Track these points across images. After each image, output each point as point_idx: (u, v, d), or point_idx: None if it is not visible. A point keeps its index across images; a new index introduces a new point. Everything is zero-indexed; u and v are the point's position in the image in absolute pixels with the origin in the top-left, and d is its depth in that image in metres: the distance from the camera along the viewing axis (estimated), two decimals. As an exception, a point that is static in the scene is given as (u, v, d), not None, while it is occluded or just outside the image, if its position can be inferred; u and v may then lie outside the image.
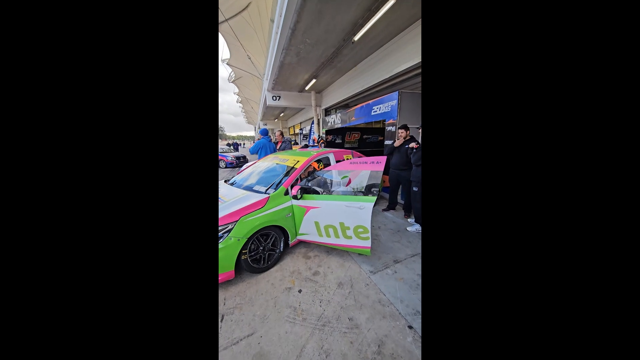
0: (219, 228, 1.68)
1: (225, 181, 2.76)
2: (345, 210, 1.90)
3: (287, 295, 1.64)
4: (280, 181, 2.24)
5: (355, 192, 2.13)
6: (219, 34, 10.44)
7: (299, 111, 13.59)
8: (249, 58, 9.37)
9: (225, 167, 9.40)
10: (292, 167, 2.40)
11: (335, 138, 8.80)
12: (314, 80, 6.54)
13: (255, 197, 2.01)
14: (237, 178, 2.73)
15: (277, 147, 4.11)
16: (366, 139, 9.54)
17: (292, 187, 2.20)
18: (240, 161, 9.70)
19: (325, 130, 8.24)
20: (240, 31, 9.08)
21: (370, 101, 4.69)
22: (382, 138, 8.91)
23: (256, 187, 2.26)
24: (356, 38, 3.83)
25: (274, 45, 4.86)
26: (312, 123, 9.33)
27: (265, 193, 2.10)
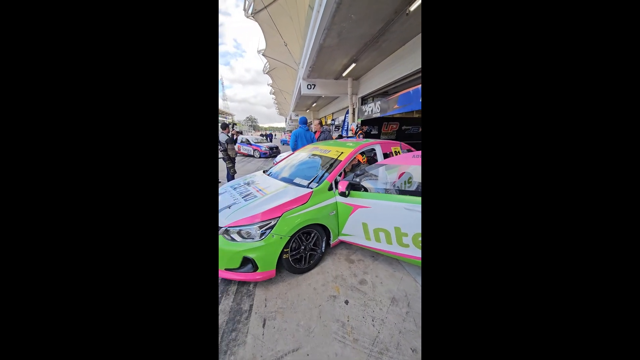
0: (262, 223, 1.55)
1: (263, 171, 2.67)
2: (403, 214, 1.58)
3: (332, 305, 1.45)
4: (324, 175, 2.01)
5: (416, 193, 1.79)
6: (257, 24, 10.49)
7: (331, 101, 13.13)
8: (286, 45, 9.22)
9: (260, 157, 9.71)
10: (336, 159, 2.14)
11: (371, 129, 8.23)
12: (353, 65, 6.04)
13: (298, 192, 1.83)
14: (276, 169, 2.61)
15: (317, 137, 3.89)
16: (405, 130, 8.71)
17: (336, 181, 1.96)
18: (274, 151, 9.89)
19: (361, 120, 7.73)
20: (277, 18, 8.94)
21: (418, 86, 4.10)
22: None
23: (297, 180, 2.08)
24: (412, 8, 3.25)
25: (313, 28, 4.54)
26: (347, 113, 8.88)
27: (307, 187, 1.91)
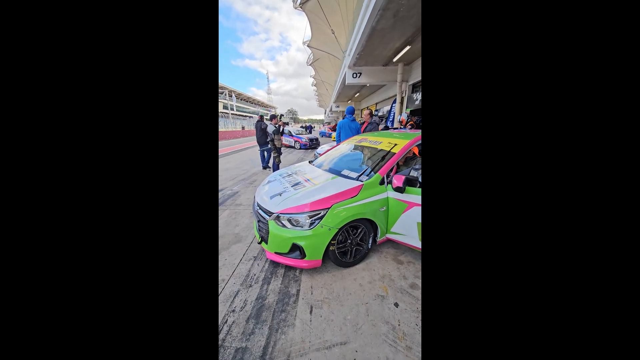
0: (312, 213, 1.56)
1: (309, 162, 2.70)
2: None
3: (380, 306, 1.37)
4: (375, 167, 1.89)
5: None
6: (304, 13, 10.49)
7: (375, 91, 12.37)
8: (333, 33, 8.99)
9: (300, 149, 9.99)
10: (389, 152, 1.98)
11: (420, 120, 7.43)
12: (407, 48, 5.46)
13: (347, 184, 1.77)
14: (322, 160, 2.59)
15: (363, 129, 3.71)
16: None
17: (387, 175, 1.82)
18: (314, 143, 10.03)
19: (410, 110, 7.04)
20: (325, 5, 8.73)
21: None
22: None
23: (345, 172, 2.02)
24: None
25: (366, 10, 4.23)
26: (394, 102, 8.22)
27: (357, 180, 1.82)
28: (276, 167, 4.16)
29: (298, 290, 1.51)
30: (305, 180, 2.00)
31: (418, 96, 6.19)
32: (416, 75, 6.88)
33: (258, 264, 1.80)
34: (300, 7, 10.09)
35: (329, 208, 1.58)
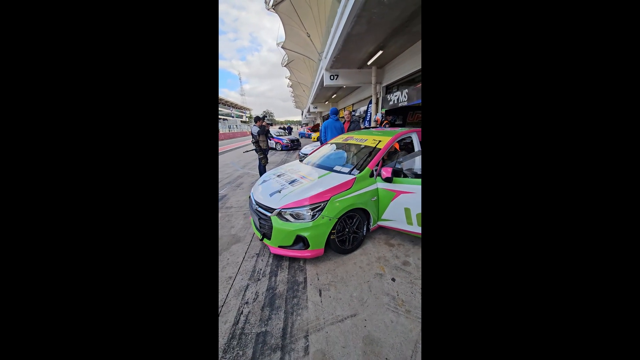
0: (313, 205, 1.69)
1: (300, 160, 2.81)
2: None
3: (380, 282, 1.56)
4: (364, 162, 2.09)
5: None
6: (277, 14, 10.49)
7: (352, 92, 12.88)
8: (309, 36, 9.16)
9: (281, 150, 9.97)
10: (374, 148, 2.20)
11: (395, 119, 7.97)
12: (379, 53, 5.87)
13: (341, 178, 1.93)
14: (313, 158, 2.73)
15: (346, 128, 3.93)
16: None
17: (376, 168, 2.03)
18: (295, 144, 10.08)
19: (385, 110, 7.53)
20: (299, 9, 8.86)
21: None
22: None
23: (337, 168, 2.19)
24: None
25: (341, 17, 4.48)
26: (370, 103, 8.69)
27: (349, 174, 2.00)
28: (262, 168, 4.17)
29: (305, 278, 1.63)
30: (301, 177, 2.12)
31: (392, 97, 6.67)
32: (389, 78, 7.39)
33: (262, 260, 1.87)
34: (273, 9, 10.09)
35: (327, 200, 1.72)
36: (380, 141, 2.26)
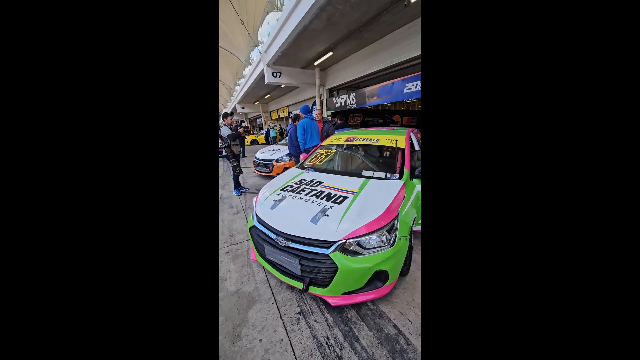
0: (388, 226, 1.28)
1: (302, 168, 2.23)
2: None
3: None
4: (396, 164, 1.87)
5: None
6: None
7: (287, 92, 12.46)
8: (243, 24, 7.95)
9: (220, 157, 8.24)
10: (396, 147, 2.03)
11: (336, 121, 8.40)
12: (329, 54, 5.85)
13: (392, 185, 1.62)
14: (319, 164, 2.23)
15: (320, 128, 3.57)
16: (367, 122, 9.38)
17: (411, 169, 1.86)
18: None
19: (331, 112, 7.71)
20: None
21: (400, 78, 4.39)
22: (382, 121, 8.83)
23: (366, 173, 1.85)
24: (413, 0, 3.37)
25: (296, 5, 4.05)
26: (314, 104, 8.65)
27: (391, 179, 1.72)
28: (236, 178, 3.14)
29: (395, 326, 1.21)
30: (337, 190, 1.62)
31: (339, 100, 6.88)
32: (332, 81, 7.60)
33: (314, 320, 1.26)
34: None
35: (396, 216, 1.36)
36: (397, 140, 2.11)
